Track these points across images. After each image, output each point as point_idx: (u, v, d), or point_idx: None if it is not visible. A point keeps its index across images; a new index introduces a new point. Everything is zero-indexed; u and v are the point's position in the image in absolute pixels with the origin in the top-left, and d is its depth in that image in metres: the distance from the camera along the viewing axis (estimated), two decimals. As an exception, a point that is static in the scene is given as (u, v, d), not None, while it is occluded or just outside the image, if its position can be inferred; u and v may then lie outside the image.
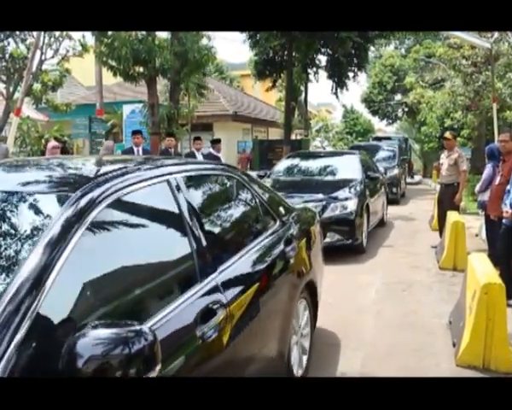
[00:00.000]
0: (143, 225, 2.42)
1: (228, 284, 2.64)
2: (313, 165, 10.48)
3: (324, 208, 8.14)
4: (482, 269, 4.42)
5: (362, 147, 19.33)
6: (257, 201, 3.58)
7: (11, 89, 17.27)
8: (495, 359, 4.14)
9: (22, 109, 15.19)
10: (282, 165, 10.83)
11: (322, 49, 24.25)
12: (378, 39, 25.95)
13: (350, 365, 4.32)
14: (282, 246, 3.52)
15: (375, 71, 40.98)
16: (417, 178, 30.78)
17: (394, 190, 16.35)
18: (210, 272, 2.55)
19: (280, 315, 3.34)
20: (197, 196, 2.90)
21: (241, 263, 2.91)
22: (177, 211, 2.52)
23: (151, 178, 2.48)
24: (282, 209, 3.97)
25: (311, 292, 4.11)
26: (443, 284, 6.79)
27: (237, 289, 2.74)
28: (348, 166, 9.94)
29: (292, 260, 3.58)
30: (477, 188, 7.94)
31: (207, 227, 2.76)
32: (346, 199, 8.42)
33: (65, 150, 11.31)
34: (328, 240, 7.69)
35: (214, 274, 2.57)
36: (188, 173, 2.86)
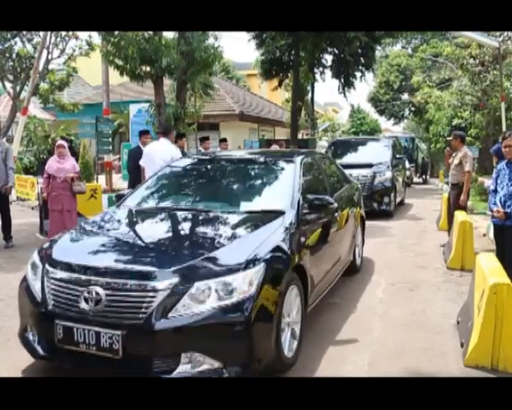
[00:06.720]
0: None
1: None
2: (213, 182, 5.70)
3: (179, 296, 3.56)
4: (490, 269, 4.38)
5: (344, 143, 16.57)
6: None
7: (18, 88, 17.36)
8: (504, 359, 4.10)
9: (29, 109, 15.26)
10: (157, 179, 5.85)
11: (329, 49, 24.26)
12: (385, 39, 25.91)
13: (358, 364, 4.29)
14: None
15: (382, 70, 40.96)
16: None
17: (386, 199, 12.68)
18: None
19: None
20: None
21: None
22: None
23: None
24: None
25: None
26: (451, 284, 6.74)
27: None
28: (274, 187, 5.40)
29: None
30: (488, 184, 7.75)
31: None
32: (237, 270, 3.69)
33: (72, 150, 11.30)
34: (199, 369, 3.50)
35: None
36: None
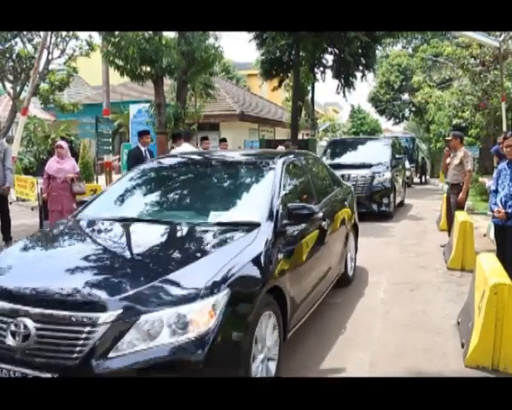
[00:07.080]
0: None
1: None
2: (181, 187, 5.01)
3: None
4: (491, 269, 4.38)
5: (343, 142, 16.37)
6: None
7: (18, 89, 17.35)
8: (504, 359, 4.10)
9: (29, 109, 15.25)
10: (122, 184, 5.21)
11: (330, 49, 24.27)
12: (385, 39, 25.90)
13: (359, 364, 4.29)
14: None
15: (382, 70, 40.92)
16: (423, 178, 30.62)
17: (385, 200, 12.36)
18: None
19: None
20: None
21: None
22: None
23: None
24: None
25: None
26: (451, 284, 6.74)
27: None
28: (250, 195, 4.68)
29: None
30: (489, 184, 7.80)
31: None
32: (194, 298, 3.08)
33: (72, 150, 11.33)
34: None
35: None
36: None
